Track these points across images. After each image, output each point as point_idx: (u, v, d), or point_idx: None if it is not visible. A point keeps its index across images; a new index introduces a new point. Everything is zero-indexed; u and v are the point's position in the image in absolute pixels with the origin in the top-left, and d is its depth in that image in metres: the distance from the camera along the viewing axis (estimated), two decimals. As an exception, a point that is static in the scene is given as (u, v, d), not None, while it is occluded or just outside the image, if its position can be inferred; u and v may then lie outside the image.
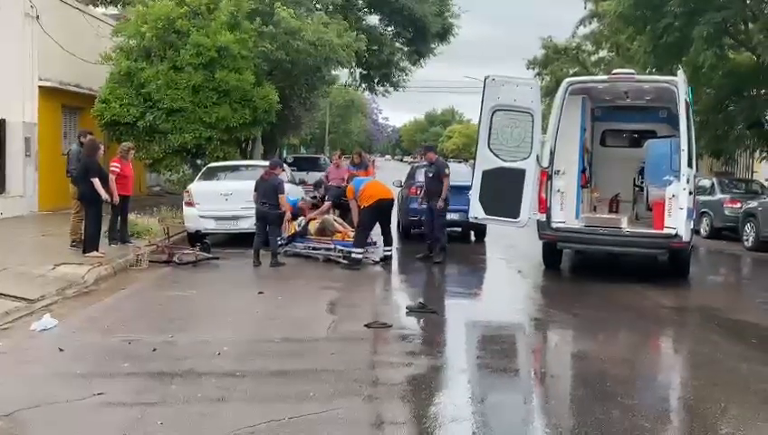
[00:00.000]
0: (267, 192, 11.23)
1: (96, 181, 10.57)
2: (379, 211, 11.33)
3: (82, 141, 11.44)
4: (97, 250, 10.64)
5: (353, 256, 11.07)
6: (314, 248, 11.94)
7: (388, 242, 11.55)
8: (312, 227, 12.09)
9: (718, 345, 7.13)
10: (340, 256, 11.46)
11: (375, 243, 11.66)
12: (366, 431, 4.64)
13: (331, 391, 5.31)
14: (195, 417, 4.81)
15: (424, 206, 12.28)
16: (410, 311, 8.08)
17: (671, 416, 5.27)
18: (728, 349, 6.99)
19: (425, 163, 13.02)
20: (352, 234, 11.59)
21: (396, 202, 15.31)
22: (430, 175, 12.07)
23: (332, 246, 11.66)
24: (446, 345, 7.11)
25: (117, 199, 11.60)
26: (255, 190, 11.39)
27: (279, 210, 11.30)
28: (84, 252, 10.56)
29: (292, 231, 12.19)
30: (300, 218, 12.46)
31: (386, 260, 11.40)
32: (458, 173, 14.79)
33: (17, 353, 6.33)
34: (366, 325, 7.25)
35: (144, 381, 5.53)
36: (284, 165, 13.28)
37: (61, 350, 6.30)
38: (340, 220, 12.49)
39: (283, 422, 4.69)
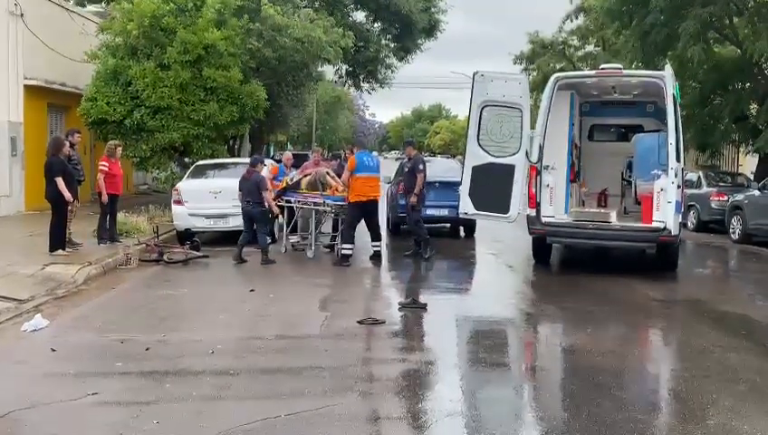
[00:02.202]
0: (250, 190, 11.28)
1: (59, 181, 10.38)
2: (365, 210, 11.24)
3: (70, 140, 11.35)
4: (63, 249, 10.56)
5: (342, 252, 11.08)
6: (304, 203, 11.95)
7: (375, 238, 11.49)
8: (304, 182, 11.99)
9: (707, 337, 7.20)
10: (327, 210, 11.71)
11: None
12: (361, 427, 4.66)
13: (326, 388, 5.33)
14: (190, 415, 4.82)
15: (405, 201, 12.30)
16: (402, 307, 8.12)
17: (663, 407, 5.35)
18: (717, 340, 7.07)
19: (406, 158, 13.03)
20: (342, 188, 11.57)
21: (385, 199, 15.38)
22: (406, 170, 12.10)
23: (321, 201, 11.62)
24: (438, 340, 7.13)
25: (105, 198, 11.58)
26: (240, 190, 11.43)
27: (263, 207, 11.31)
28: (51, 251, 10.46)
29: (284, 185, 12.14)
30: (292, 173, 12.40)
31: (375, 256, 11.39)
32: (448, 169, 14.89)
33: (9, 354, 6.30)
34: (359, 322, 7.28)
35: (138, 380, 5.53)
36: (266, 161, 13.16)
37: (53, 350, 6.29)
38: (333, 174, 12.24)
39: (279, 419, 4.71)
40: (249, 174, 11.44)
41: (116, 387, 5.35)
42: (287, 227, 12.53)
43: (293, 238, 12.52)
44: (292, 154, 15.64)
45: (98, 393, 5.15)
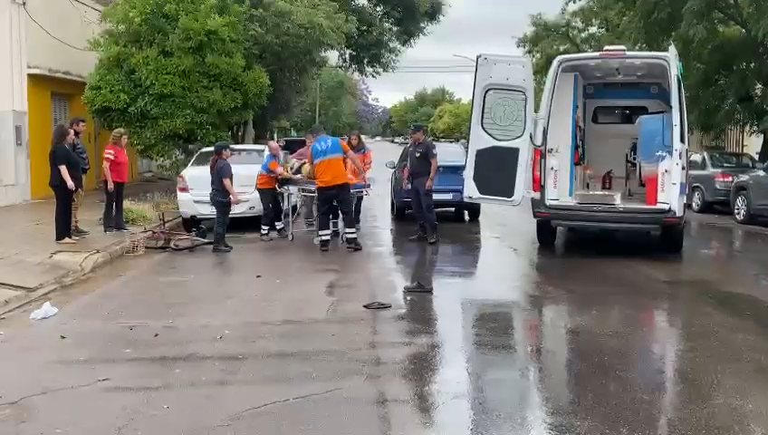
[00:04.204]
0: (214, 178, 11.20)
1: (63, 168, 10.39)
2: (328, 196, 11.03)
3: (75, 129, 11.37)
4: (70, 237, 10.62)
5: (320, 238, 11.04)
6: (306, 190, 11.90)
7: (347, 224, 11.23)
8: (305, 170, 11.97)
9: (712, 317, 7.23)
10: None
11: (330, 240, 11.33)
12: (369, 410, 4.70)
13: (333, 372, 5.38)
14: (200, 400, 4.87)
15: (409, 187, 12.28)
16: (408, 291, 8.17)
17: (668, 388, 5.38)
18: (722, 321, 7.10)
19: (411, 143, 12.99)
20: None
21: (390, 184, 15.32)
22: (417, 155, 12.04)
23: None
24: (444, 324, 7.18)
25: (112, 186, 11.61)
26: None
27: (222, 197, 11.12)
28: (57, 239, 10.52)
29: (286, 173, 12.12)
30: (293, 161, 12.38)
31: (349, 243, 11.09)
32: (451, 153, 14.87)
33: (19, 342, 6.36)
34: (365, 306, 7.33)
35: (147, 366, 5.58)
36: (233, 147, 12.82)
37: (62, 337, 6.33)
38: None
39: (288, 403, 4.75)
40: (214, 162, 11.29)
41: (126, 373, 5.40)
42: (292, 214, 12.55)
43: (279, 225, 12.50)
44: (294, 140, 15.58)
45: (108, 379, 5.20)
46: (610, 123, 13.28)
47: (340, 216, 11.65)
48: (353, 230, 11.26)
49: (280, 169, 12.17)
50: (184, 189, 13.01)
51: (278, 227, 12.43)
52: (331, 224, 11.66)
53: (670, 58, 10.37)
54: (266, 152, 12.98)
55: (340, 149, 11.10)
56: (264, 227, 12.20)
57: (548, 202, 10.65)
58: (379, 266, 10.31)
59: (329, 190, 10.96)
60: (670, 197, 10.03)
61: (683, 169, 10.06)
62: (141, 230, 11.91)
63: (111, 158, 11.72)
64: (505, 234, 13.42)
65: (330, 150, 10.97)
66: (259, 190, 12.29)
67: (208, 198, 11.48)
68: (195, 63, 15.91)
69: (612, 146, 12.86)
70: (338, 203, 11.21)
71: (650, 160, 10.89)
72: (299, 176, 12.12)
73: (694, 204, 17.17)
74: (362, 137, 15.70)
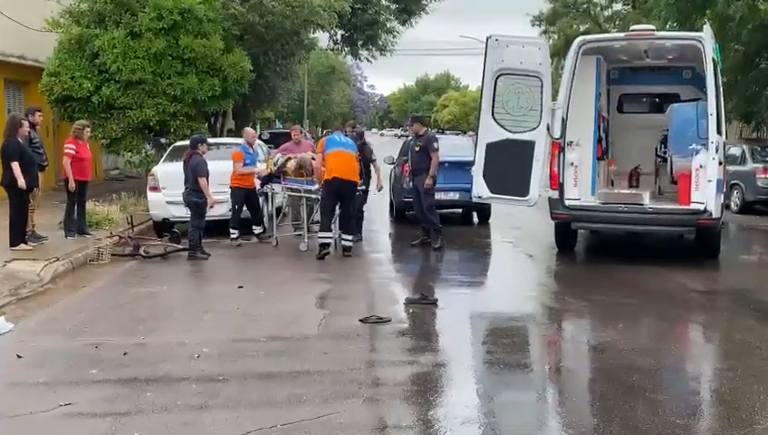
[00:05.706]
0: (188, 176, 11.20)
1: (15, 165, 10.36)
2: (336, 191, 11.02)
3: (31, 120, 11.38)
4: (26, 243, 10.66)
5: (319, 241, 11.04)
6: (292, 189, 11.98)
7: (346, 229, 11.23)
8: (290, 165, 11.97)
9: (753, 331, 7.26)
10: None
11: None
12: (367, 437, 4.73)
13: (326, 394, 5.39)
14: (175, 427, 4.88)
15: (410, 185, 12.29)
16: (410, 303, 8.19)
17: (704, 410, 5.39)
18: (764, 335, 7.12)
19: (412, 136, 13.01)
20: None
21: (388, 182, 15.37)
22: (417, 149, 12.04)
23: (316, 187, 11.41)
24: (451, 340, 7.18)
25: (73, 185, 11.63)
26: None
27: (198, 197, 11.13)
28: (11, 245, 10.53)
29: (269, 171, 12.17)
30: (277, 156, 12.42)
31: (346, 251, 11.12)
32: (458, 147, 14.92)
33: (-30, 362, 6.37)
34: (361, 320, 7.34)
35: (115, 388, 5.58)
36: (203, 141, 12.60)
37: (19, 356, 6.32)
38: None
39: (274, 430, 4.76)
40: (189, 157, 11.28)
41: (91, 396, 5.40)
42: (277, 217, 12.55)
43: (257, 229, 12.49)
44: (280, 133, 15.55)
45: (71, 404, 5.20)
46: (638, 113, 13.34)
47: (338, 223, 11.59)
48: (351, 238, 11.26)
49: (239, 166, 12.16)
50: (155, 189, 13.00)
51: (256, 232, 12.42)
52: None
53: (705, 39, 10.41)
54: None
55: (355, 148, 11.40)
56: (232, 230, 12.16)
57: (567, 202, 10.69)
58: (377, 275, 10.34)
59: (337, 183, 10.90)
60: (705, 195, 10.07)
61: (720, 164, 10.10)
62: (107, 235, 11.91)
63: (72, 153, 11.73)
64: (519, 238, 13.46)
65: (346, 145, 11.22)
66: (231, 189, 12.26)
67: (182, 199, 11.49)
68: (167, 46, 15.93)
69: (640, 138, 12.91)
70: (344, 203, 11.18)
71: (683, 154, 10.94)
72: (262, 168, 12.09)
73: (732, 204, 17.23)
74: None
